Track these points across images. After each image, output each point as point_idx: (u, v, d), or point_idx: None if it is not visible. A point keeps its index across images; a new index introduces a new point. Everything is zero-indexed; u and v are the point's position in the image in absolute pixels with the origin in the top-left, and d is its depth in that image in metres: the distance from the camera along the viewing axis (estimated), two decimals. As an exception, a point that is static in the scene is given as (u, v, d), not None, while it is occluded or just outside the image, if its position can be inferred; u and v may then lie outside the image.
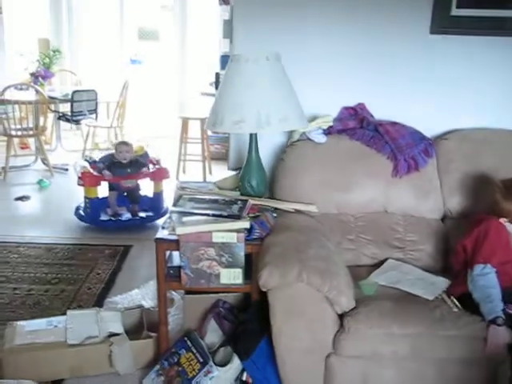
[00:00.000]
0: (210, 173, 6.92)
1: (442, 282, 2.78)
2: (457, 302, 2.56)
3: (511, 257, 2.58)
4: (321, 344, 2.48)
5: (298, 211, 3.02)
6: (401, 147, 3.11)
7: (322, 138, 3.17)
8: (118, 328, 2.98)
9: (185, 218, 2.70)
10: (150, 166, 5.12)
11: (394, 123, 3.25)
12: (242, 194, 3.05)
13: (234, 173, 3.30)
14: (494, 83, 3.34)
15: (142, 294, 3.65)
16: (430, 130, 3.29)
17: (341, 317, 2.47)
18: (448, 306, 2.58)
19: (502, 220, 2.61)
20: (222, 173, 4.58)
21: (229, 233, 2.61)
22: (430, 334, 2.45)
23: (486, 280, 2.46)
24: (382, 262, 2.99)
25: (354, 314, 2.44)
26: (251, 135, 3.01)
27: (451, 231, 3.08)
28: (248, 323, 2.68)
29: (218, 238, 2.60)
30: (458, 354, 2.49)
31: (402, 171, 3.09)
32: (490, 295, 2.41)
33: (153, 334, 3.01)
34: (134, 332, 3.08)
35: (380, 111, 3.36)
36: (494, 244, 2.54)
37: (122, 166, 4.86)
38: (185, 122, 6.85)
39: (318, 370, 2.52)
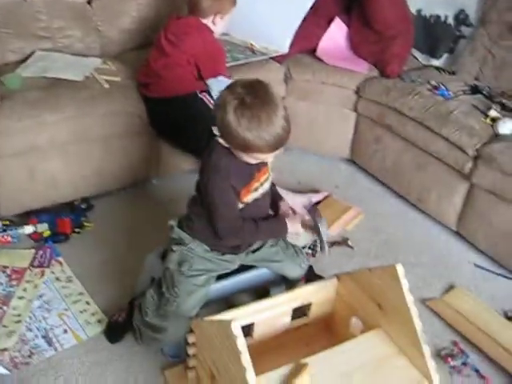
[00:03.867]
0: None
1: (93, 62, 2.75)
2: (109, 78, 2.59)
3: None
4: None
5: None
6: None
7: None
8: None
9: None
10: None
11: None
12: None
13: None
14: None
15: None
16: None
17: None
18: (100, 85, 2.59)
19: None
20: None
21: None
22: (83, 114, 2.46)
23: None
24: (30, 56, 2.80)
25: (-3, 110, 2.30)
26: None
27: (99, 13, 2.99)
28: None
29: None
30: (117, 130, 2.58)
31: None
32: None
33: None
34: None
35: None
36: None
37: None
38: None
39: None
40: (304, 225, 1.86)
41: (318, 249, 1.89)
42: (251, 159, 1.61)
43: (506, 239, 2.42)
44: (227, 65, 2.67)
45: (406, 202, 2.88)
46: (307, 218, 1.87)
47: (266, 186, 1.77)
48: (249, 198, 1.71)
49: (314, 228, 1.85)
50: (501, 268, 2.51)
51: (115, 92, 2.59)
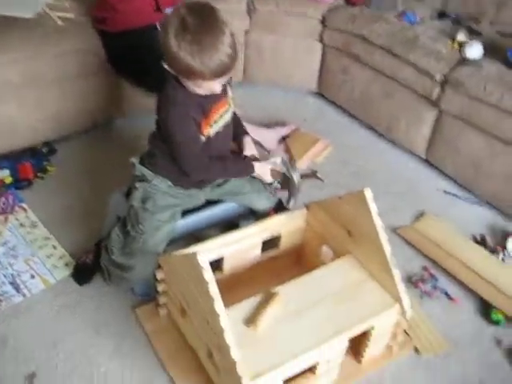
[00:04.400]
0: None
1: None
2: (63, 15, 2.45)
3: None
4: None
5: None
6: None
7: None
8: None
9: None
10: None
11: None
12: None
13: None
14: None
15: None
16: None
17: None
18: (52, 22, 2.46)
19: None
20: None
21: None
22: (36, 54, 2.34)
23: None
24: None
25: None
26: None
27: None
28: None
29: None
30: (73, 69, 2.47)
31: None
32: None
33: None
34: None
35: None
36: None
37: None
38: None
39: None
40: (273, 171, 1.84)
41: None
42: (198, 88, 1.55)
43: (474, 165, 2.42)
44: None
45: (375, 132, 2.85)
46: (279, 167, 1.83)
47: (227, 117, 1.72)
48: (210, 130, 1.66)
49: (284, 180, 1.83)
50: (469, 193, 2.52)
51: (69, 29, 2.47)
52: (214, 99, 1.63)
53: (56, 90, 2.48)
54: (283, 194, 2.03)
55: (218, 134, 1.69)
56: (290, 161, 1.89)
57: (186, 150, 1.63)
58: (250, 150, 1.85)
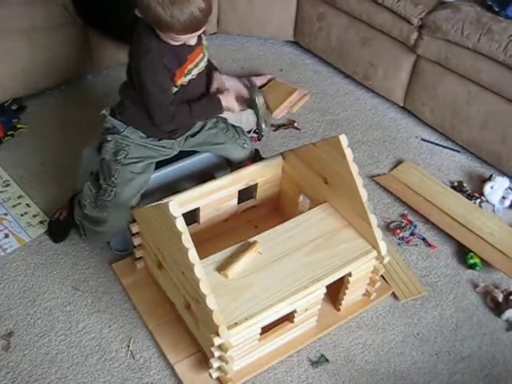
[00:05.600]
0: None
1: None
2: None
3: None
4: None
5: None
6: None
7: None
8: None
9: None
10: None
11: None
12: None
13: None
14: None
15: None
16: None
17: None
18: None
19: None
20: None
21: None
22: (2, 2, 2.24)
23: None
24: None
25: None
26: None
27: None
28: None
29: None
30: (40, 22, 2.36)
31: None
32: None
33: None
34: None
35: None
36: None
37: None
38: None
39: None
40: (239, 98, 1.76)
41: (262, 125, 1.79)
42: (171, 41, 1.49)
43: (452, 111, 2.40)
44: None
45: (353, 80, 2.81)
46: (242, 92, 1.77)
47: (201, 65, 1.67)
48: (183, 80, 1.61)
49: (249, 101, 1.76)
50: (447, 141, 2.51)
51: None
52: (189, 48, 1.58)
53: (23, 42, 2.38)
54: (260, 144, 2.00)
55: (191, 81, 1.64)
56: (252, 86, 1.81)
57: (154, 99, 1.58)
58: (217, 83, 1.77)
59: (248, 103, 1.77)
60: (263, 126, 1.80)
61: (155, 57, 1.52)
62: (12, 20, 2.29)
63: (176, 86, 1.61)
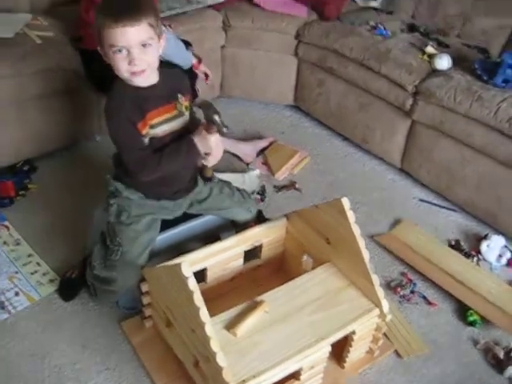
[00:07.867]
0: None
1: (23, 18, 2.63)
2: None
3: None
4: None
5: None
6: None
7: None
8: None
9: None
10: None
11: None
12: None
13: None
14: None
15: None
16: None
17: None
18: (32, 41, 2.49)
19: None
20: None
21: None
22: (16, 73, 2.36)
23: None
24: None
25: None
26: None
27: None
28: None
29: None
30: (53, 87, 2.48)
31: None
32: None
33: None
34: None
35: None
36: None
37: None
38: None
39: None
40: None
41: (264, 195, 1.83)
42: (110, 60, 1.55)
43: (448, 172, 2.50)
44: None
45: (351, 143, 2.93)
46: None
47: (175, 125, 1.67)
48: (151, 132, 1.62)
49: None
50: (444, 201, 2.59)
51: (48, 48, 2.49)
52: (153, 101, 1.62)
53: (37, 107, 2.49)
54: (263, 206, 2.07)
55: (171, 134, 1.67)
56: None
57: (125, 149, 1.63)
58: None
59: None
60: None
61: (115, 104, 1.60)
62: (25, 89, 2.41)
63: (143, 136, 1.62)
